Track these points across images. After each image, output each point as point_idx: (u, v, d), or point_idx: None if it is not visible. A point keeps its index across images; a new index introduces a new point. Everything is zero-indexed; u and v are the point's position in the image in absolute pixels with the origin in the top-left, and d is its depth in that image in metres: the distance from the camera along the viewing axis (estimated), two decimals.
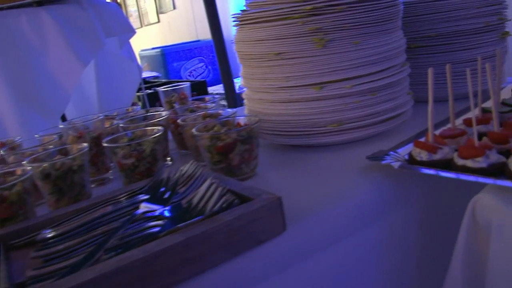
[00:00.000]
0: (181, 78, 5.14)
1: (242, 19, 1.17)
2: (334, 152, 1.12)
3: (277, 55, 1.10)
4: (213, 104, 1.33)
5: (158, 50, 5.19)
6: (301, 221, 0.84)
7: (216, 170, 1.04)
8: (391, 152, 1.02)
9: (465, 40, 1.37)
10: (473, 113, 0.95)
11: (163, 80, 3.61)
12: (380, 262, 0.94)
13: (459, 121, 1.13)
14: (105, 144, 1.05)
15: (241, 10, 1.19)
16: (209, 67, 5.28)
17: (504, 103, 1.22)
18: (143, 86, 2.77)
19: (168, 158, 1.26)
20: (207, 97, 1.50)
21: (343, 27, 1.06)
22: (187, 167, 0.93)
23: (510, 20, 1.48)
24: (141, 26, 7.21)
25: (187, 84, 1.57)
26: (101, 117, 1.25)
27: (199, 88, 3.21)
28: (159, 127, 1.10)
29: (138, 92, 2.96)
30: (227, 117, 1.15)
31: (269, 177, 1.06)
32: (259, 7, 1.14)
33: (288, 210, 0.81)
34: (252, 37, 1.15)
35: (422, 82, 1.36)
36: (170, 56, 5.09)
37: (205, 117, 1.19)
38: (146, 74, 4.10)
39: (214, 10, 2.80)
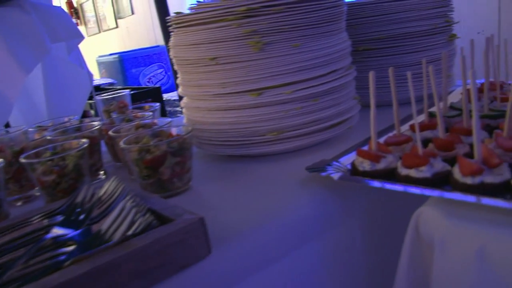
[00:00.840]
0: (140, 84, 5.01)
1: (176, 22, 1.10)
2: (275, 162, 1.06)
3: (212, 60, 1.03)
4: (150, 114, 1.24)
5: (116, 56, 5.06)
6: (232, 241, 0.76)
7: (145, 186, 0.96)
8: (334, 162, 0.96)
9: (414, 42, 1.32)
10: (415, 119, 0.89)
11: (118, 87, 3.49)
12: (323, 282, 0.88)
13: (406, 127, 1.08)
14: (22, 160, 0.95)
15: (175, 13, 1.11)
16: (169, 73, 5.15)
17: (452, 107, 1.18)
18: (94, 93, 2.66)
19: (101, 172, 1.16)
20: (147, 105, 1.42)
21: (281, 29, 1.00)
22: (108, 185, 0.85)
23: (457, 22, 1.44)
24: (99, 32, 7.04)
25: (127, 92, 1.48)
26: (24, 129, 1.15)
27: (154, 95, 3.11)
28: (84, 140, 1.01)
29: (90, 99, 2.85)
30: (161, 127, 1.07)
31: (204, 191, 0.99)
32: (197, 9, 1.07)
33: (219, 229, 0.75)
34: (186, 41, 1.07)
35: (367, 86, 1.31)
36: (128, 62, 4.96)
37: (138, 127, 1.10)
38: (101, 81, 3.97)
39: (166, 14, 2.72)
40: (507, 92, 1.24)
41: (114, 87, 3.57)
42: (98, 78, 4.74)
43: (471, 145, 0.91)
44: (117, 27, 6.63)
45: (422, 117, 1.07)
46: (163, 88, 3.77)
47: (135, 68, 5.01)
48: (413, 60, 1.33)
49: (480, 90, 1.26)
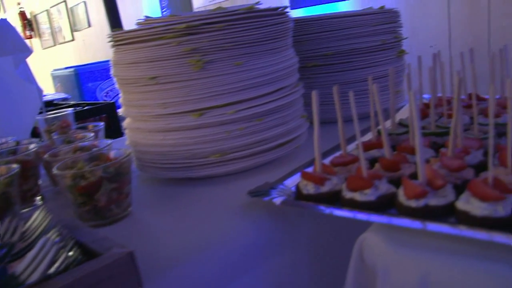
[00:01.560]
0: (96, 99, 4.89)
1: (116, 40, 1.05)
2: (219, 185, 1.02)
3: (152, 79, 0.98)
4: (92, 135, 1.19)
5: (71, 69, 4.92)
6: (169, 273, 0.72)
7: (81, 213, 0.91)
8: (278, 185, 0.92)
9: (363, 58, 1.31)
10: (359, 139, 0.86)
11: (72, 102, 3.39)
12: None
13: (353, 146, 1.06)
14: None
15: (113, 30, 1.06)
16: None
17: (400, 124, 1.16)
18: (44, 109, 2.57)
19: (38, 198, 1.10)
20: (90, 125, 1.36)
21: (222, 47, 0.96)
22: (36, 215, 0.79)
23: (406, 38, 1.44)
24: (54, 44, 6.85)
25: (70, 110, 1.41)
26: None
27: (109, 110, 3.03)
28: (14, 165, 0.94)
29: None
30: (100, 150, 1.02)
31: (144, 217, 0.94)
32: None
33: (156, 260, 0.72)
34: (126, 60, 1.03)
35: (321, 102, 1.29)
36: (84, 76, 4.83)
37: (75, 150, 1.05)
38: (54, 96, 3.86)
39: (119, 26, 2.66)
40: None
41: (68, 102, 3.46)
42: (52, 93, 4.60)
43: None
44: (73, 39, 6.49)
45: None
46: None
47: (92, 82, 4.90)
48: (362, 76, 1.31)
49: (427, 106, 1.26)
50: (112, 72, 1.11)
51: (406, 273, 0.68)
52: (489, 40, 3.15)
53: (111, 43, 1.08)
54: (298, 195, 0.87)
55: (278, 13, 1.03)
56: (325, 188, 0.85)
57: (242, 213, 0.88)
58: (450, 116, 1.17)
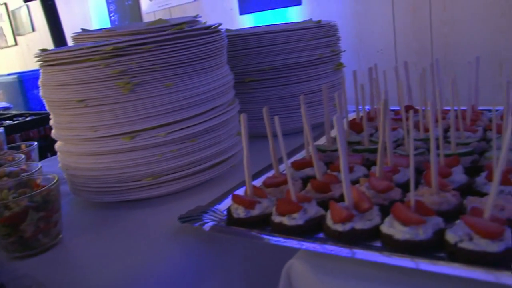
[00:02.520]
0: (43, 108, 4.73)
1: (43, 60, 1.01)
2: (153, 207, 1.00)
3: (80, 102, 0.96)
4: (22, 157, 1.15)
5: (15, 76, 4.73)
6: None
7: (6, 245, 0.87)
8: (211, 208, 0.91)
9: (300, 72, 1.31)
10: (274, 166, 0.86)
11: (14, 112, 3.27)
12: None
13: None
14: None
15: (40, 50, 1.03)
16: None
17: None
18: None
19: None
20: (23, 145, 1.31)
21: (151, 68, 0.94)
22: None
23: (344, 51, 1.46)
24: None
25: (1, 129, 1.36)
26: None
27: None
28: None
29: None
30: (29, 175, 0.99)
31: (75, 246, 0.91)
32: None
33: None
34: (53, 81, 1.00)
35: (259, 117, 1.28)
36: (29, 83, 4.65)
37: (2, 176, 1.01)
38: None
39: (59, 31, 2.57)
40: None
41: (10, 112, 3.34)
42: None
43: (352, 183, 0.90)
44: (16, 44, 6.26)
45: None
46: None
47: (37, 89, 4.74)
48: (300, 90, 1.32)
49: (369, 118, 1.28)
50: (40, 93, 1.07)
51: None
52: (432, 45, 3.25)
53: (39, 63, 1.04)
54: (229, 219, 0.86)
55: (209, 32, 1.02)
56: (255, 211, 0.85)
57: (173, 238, 0.87)
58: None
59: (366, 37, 3.32)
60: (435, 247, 0.68)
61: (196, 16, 1.36)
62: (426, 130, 1.14)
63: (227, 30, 1.51)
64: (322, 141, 1.22)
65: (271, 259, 0.84)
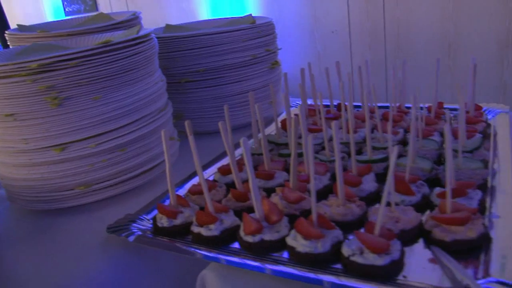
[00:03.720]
0: None
1: None
2: (86, 214, 1.04)
3: (10, 116, 0.98)
4: None
5: None
6: None
7: None
8: (139, 217, 0.96)
9: (234, 73, 1.35)
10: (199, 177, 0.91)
11: None
12: None
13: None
14: None
15: None
16: None
17: (269, 141, 1.22)
18: None
19: None
20: None
21: (79, 83, 0.97)
22: None
23: (280, 48, 1.50)
24: None
25: None
26: None
27: None
28: None
29: None
30: None
31: (7, 256, 0.94)
32: None
33: None
34: None
35: (196, 116, 1.33)
36: None
37: None
38: None
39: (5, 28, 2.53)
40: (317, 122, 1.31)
41: None
42: None
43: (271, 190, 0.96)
44: None
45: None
46: None
47: None
48: (236, 89, 1.37)
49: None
50: None
51: None
52: (385, 27, 3.31)
53: None
54: (155, 228, 0.92)
55: (136, 43, 1.05)
56: (178, 221, 0.90)
57: (103, 247, 0.91)
58: (313, 130, 1.24)
59: (321, 17, 3.36)
60: (332, 260, 0.75)
61: (134, 14, 1.39)
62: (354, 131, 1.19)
63: (167, 26, 1.54)
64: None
65: (195, 267, 0.89)
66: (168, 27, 1.58)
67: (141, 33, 1.11)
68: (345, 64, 3.69)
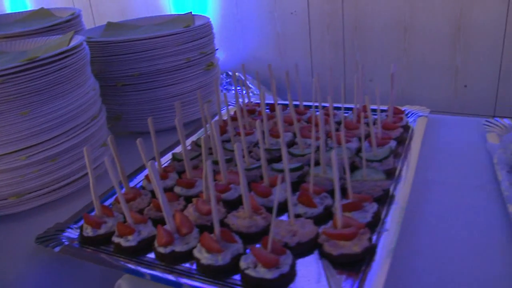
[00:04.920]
0: None
1: None
2: (18, 222, 1.08)
3: None
4: None
5: None
6: None
7: None
8: (70, 225, 1.03)
9: (168, 77, 1.41)
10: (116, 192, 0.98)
11: None
12: None
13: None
14: None
15: None
16: None
17: (197, 144, 1.28)
18: None
19: None
20: None
21: (6, 99, 1.01)
22: None
23: (217, 49, 1.55)
24: None
25: None
26: None
27: None
28: None
29: None
30: None
31: None
32: None
33: None
34: None
35: (134, 117, 1.39)
36: None
37: None
38: None
39: None
40: (251, 123, 1.37)
41: None
42: None
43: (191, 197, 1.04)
44: None
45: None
46: None
47: None
48: (170, 92, 1.42)
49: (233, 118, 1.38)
50: None
51: None
52: (343, 9, 3.37)
53: None
54: (81, 237, 0.98)
55: (65, 56, 1.09)
56: (102, 231, 0.97)
57: (33, 255, 0.97)
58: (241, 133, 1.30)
59: None
60: (233, 271, 0.83)
61: (73, 14, 1.42)
62: (277, 136, 1.26)
63: (108, 24, 1.57)
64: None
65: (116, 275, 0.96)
66: (109, 25, 1.62)
67: (72, 44, 1.15)
68: (305, 46, 3.76)
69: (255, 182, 1.06)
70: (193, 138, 1.36)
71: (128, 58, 1.36)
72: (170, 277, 0.84)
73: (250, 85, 3.77)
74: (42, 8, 1.68)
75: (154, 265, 0.88)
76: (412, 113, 1.44)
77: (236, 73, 3.85)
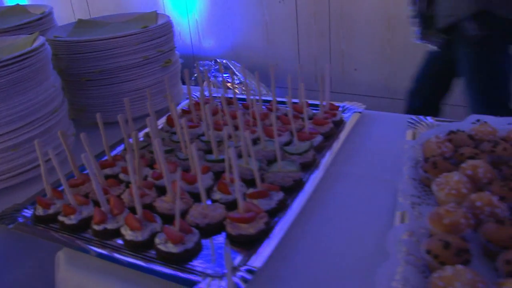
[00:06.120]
0: None
1: None
2: None
3: None
4: None
5: None
6: None
7: None
8: (28, 206, 1.19)
9: (127, 73, 1.56)
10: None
11: None
12: None
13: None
14: None
15: None
16: None
17: (148, 136, 1.44)
18: None
19: None
20: None
21: None
22: None
23: (175, 47, 1.70)
24: None
25: None
26: None
27: None
28: None
29: None
30: None
31: None
32: None
33: None
34: None
35: (98, 110, 1.55)
36: None
37: None
38: None
39: None
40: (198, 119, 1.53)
41: None
42: None
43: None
44: None
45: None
46: None
47: None
48: (130, 87, 1.57)
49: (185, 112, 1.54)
50: None
51: None
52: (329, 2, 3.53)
53: None
54: (34, 215, 1.15)
55: (25, 58, 1.24)
56: (51, 211, 1.13)
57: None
58: (190, 127, 1.46)
59: None
60: (150, 246, 0.99)
61: (43, 13, 1.57)
62: (217, 128, 1.42)
63: (78, 21, 1.72)
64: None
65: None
66: (80, 22, 1.77)
67: (35, 45, 1.30)
68: (292, 34, 3.90)
69: (188, 171, 1.22)
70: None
71: (90, 56, 1.51)
72: (99, 250, 1.00)
73: (237, 73, 3.92)
74: (18, 5, 1.82)
75: (89, 240, 1.05)
76: (350, 109, 1.58)
77: (224, 61, 3.99)
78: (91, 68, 1.53)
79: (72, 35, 1.66)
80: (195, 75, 3.87)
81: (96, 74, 1.54)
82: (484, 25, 2.04)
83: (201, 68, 3.95)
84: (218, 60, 4.02)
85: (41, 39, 1.35)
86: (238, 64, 4.01)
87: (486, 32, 2.05)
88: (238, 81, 3.81)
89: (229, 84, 3.72)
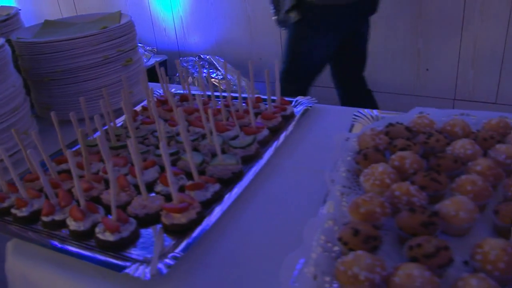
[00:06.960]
0: None
1: None
2: None
3: None
4: None
5: None
6: None
7: None
8: None
9: (88, 72, 1.63)
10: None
11: None
12: None
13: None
14: None
15: None
16: None
17: (107, 133, 1.51)
18: None
19: None
20: None
21: None
22: None
23: (140, 46, 1.77)
24: None
25: None
26: None
27: None
28: None
29: None
30: None
31: None
32: None
33: None
34: None
35: (61, 108, 1.63)
36: None
37: None
38: None
39: None
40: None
41: None
42: None
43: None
44: None
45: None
46: None
47: None
48: (91, 86, 1.65)
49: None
50: None
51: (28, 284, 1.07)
52: None
53: None
54: None
55: None
56: (5, 204, 1.22)
57: None
58: (146, 123, 1.54)
59: None
60: (91, 235, 1.07)
61: (8, 14, 1.64)
62: (172, 125, 1.49)
63: (45, 22, 1.79)
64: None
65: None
66: (46, 23, 1.84)
67: None
68: (275, 29, 3.94)
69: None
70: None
71: (51, 56, 1.58)
72: (46, 240, 1.08)
73: (220, 68, 4.00)
74: None
75: (38, 231, 1.13)
76: (303, 103, 1.65)
77: (208, 56, 4.04)
78: (53, 68, 1.61)
79: (37, 36, 1.73)
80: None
81: (58, 74, 1.62)
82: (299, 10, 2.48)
83: (184, 64, 4.02)
84: (202, 56, 4.08)
85: (0, 41, 1.43)
86: (222, 60, 4.07)
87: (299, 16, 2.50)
88: (221, 77, 3.88)
89: (213, 80, 3.79)
